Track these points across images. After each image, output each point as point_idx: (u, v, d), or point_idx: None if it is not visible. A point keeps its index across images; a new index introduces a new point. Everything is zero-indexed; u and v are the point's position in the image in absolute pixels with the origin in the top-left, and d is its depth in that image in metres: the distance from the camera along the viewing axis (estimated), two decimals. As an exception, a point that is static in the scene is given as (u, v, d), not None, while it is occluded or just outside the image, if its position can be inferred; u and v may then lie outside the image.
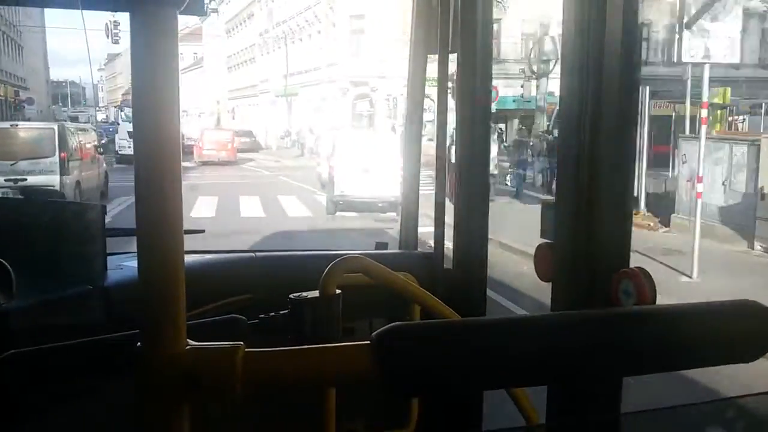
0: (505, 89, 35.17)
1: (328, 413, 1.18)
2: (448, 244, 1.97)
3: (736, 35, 9.24)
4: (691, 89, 14.86)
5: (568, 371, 0.79)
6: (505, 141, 22.72)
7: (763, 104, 23.10)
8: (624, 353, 0.75)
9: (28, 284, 1.48)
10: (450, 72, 1.99)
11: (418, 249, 2.23)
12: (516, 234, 9.38)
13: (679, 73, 16.78)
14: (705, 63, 9.25)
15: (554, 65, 23.37)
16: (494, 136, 18.05)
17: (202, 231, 2.48)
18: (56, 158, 13.64)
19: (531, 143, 20.59)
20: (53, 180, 13.23)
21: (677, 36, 9.76)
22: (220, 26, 66.71)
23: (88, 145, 15.66)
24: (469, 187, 1.84)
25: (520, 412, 1.35)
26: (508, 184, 17.77)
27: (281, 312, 1.32)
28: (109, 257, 1.72)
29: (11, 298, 1.42)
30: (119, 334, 1.14)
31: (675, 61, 13.26)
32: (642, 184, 13.13)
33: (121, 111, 30.25)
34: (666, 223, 12.84)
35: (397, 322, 0.71)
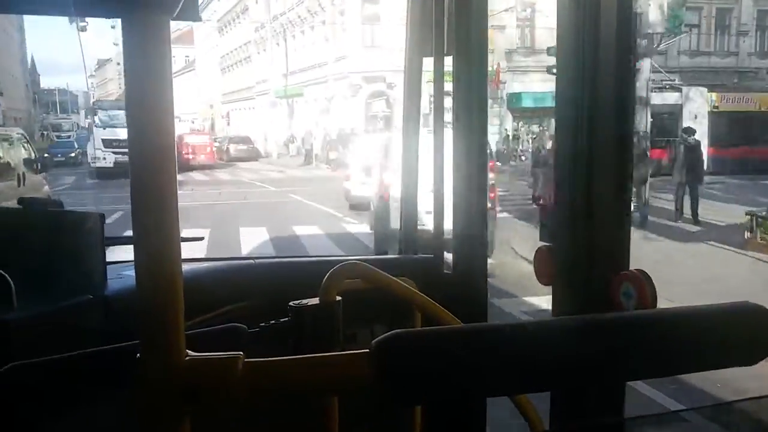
0: (543, 83, 30.51)
1: (330, 422, 1.15)
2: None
3: None
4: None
5: (572, 377, 0.78)
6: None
7: None
8: (627, 358, 0.75)
9: (28, 295, 1.47)
10: None
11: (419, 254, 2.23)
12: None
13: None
14: None
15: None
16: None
17: (201, 239, 2.61)
18: None
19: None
20: None
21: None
22: (211, 24, 62.01)
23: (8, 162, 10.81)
24: (467, 190, 1.83)
25: (523, 418, 1.31)
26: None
27: (282, 320, 1.30)
28: (109, 266, 1.70)
29: (11, 309, 1.42)
30: (118, 345, 1.16)
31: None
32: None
33: (95, 115, 25.38)
34: None
35: (397, 330, 0.70)
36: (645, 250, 8.40)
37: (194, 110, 73.45)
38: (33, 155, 11.94)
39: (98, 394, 1.24)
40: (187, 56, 73.17)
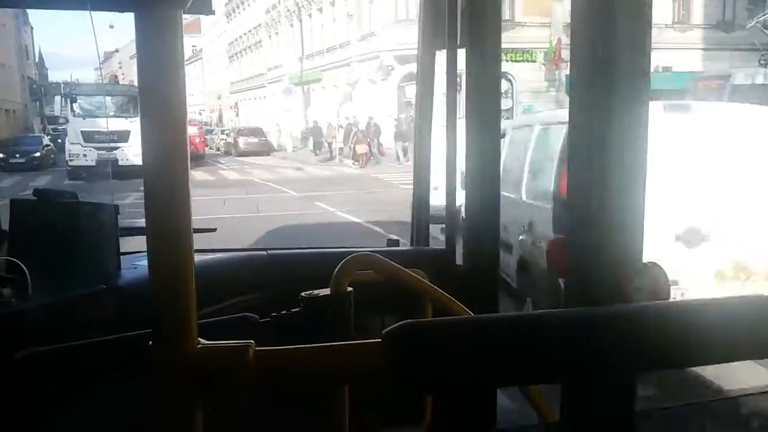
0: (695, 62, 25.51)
1: (341, 410, 1.15)
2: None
3: None
4: None
5: (583, 368, 0.78)
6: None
7: None
8: (639, 349, 0.75)
9: (43, 284, 1.50)
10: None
11: (430, 245, 2.27)
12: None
13: None
14: None
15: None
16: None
17: (214, 230, 2.57)
18: None
19: None
20: None
21: None
22: (219, 10, 57.46)
23: None
24: (480, 183, 1.83)
25: (534, 409, 1.34)
26: None
27: (293, 310, 1.32)
28: (122, 257, 1.73)
29: (27, 297, 1.45)
30: (132, 333, 1.19)
31: None
32: None
33: (73, 102, 20.68)
34: None
35: (409, 320, 0.71)
36: None
37: (201, 101, 69.36)
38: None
39: (112, 380, 1.30)
40: (194, 46, 69.14)
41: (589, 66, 1.30)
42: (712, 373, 3.42)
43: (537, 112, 25.56)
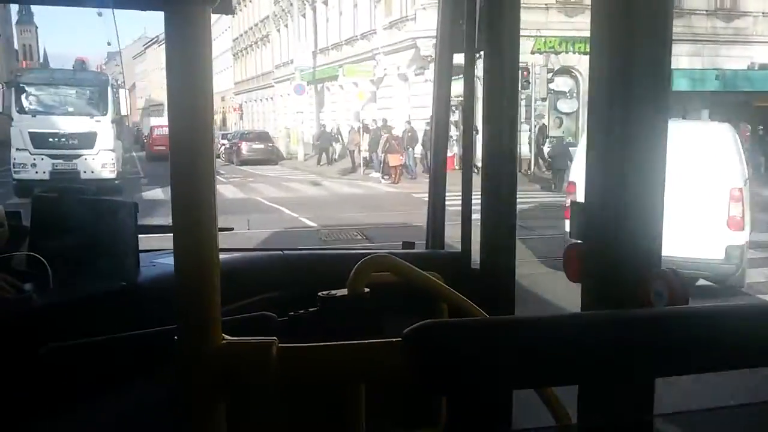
0: (694, 58, 20.88)
1: (357, 410, 1.11)
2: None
3: None
4: None
5: (600, 371, 0.78)
6: None
7: None
8: (657, 354, 0.74)
9: (63, 280, 1.53)
10: None
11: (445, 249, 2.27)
12: None
13: None
14: None
15: None
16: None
17: (231, 229, 2.55)
18: None
19: None
20: None
21: None
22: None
23: None
24: (496, 185, 1.83)
25: (550, 412, 1.31)
26: None
27: (310, 309, 1.33)
28: (141, 255, 1.74)
29: (47, 293, 1.48)
30: (154, 329, 1.21)
31: None
32: None
33: (21, 94, 15.43)
34: None
35: (429, 320, 0.71)
36: None
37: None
38: None
39: (134, 376, 1.28)
40: None
41: (609, 73, 1.30)
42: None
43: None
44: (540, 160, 20.47)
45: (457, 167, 12.58)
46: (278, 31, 40.94)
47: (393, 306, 1.36)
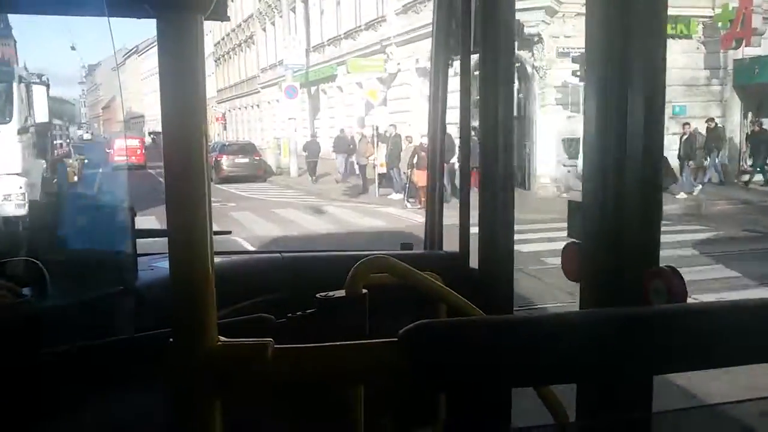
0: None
1: (356, 409, 1.14)
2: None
3: None
4: None
5: (598, 369, 0.79)
6: None
7: None
8: (655, 351, 0.75)
9: (61, 285, 1.52)
10: None
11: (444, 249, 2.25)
12: None
13: None
14: None
15: None
16: None
17: (229, 232, 2.54)
18: None
19: None
20: None
21: None
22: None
23: None
24: (493, 186, 1.84)
25: (548, 410, 1.30)
26: None
27: (308, 311, 1.33)
28: (139, 258, 1.75)
29: (45, 298, 1.46)
30: (153, 332, 1.20)
31: None
32: None
33: None
34: None
35: (424, 320, 0.71)
36: None
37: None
38: None
39: (133, 379, 1.27)
40: None
41: (605, 72, 1.31)
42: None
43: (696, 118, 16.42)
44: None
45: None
46: (264, 30, 36.18)
47: (391, 307, 1.35)
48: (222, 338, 0.71)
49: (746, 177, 16.67)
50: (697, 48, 16.98)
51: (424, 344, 0.70)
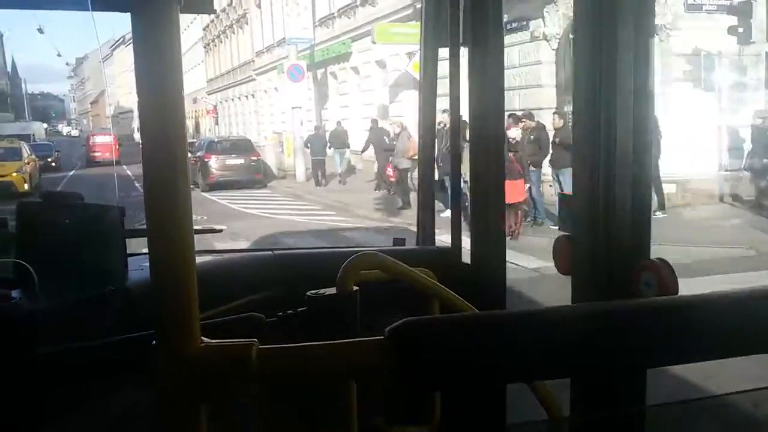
0: None
1: (349, 408, 1.15)
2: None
3: None
4: None
5: (591, 364, 0.78)
6: None
7: None
8: (648, 344, 0.75)
9: (51, 286, 1.51)
10: None
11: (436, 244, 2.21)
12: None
13: None
14: None
15: None
16: None
17: (221, 230, 2.50)
18: None
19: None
20: None
21: None
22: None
23: None
24: (485, 180, 1.82)
25: (542, 405, 1.25)
26: None
27: (299, 309, 1.33)
28: (129, 258, 1.74)
29: (34, 299, 1.46)
30: (138, 333, 1.20)
31: None
32: None
33: None
34: None
35: (412, 317, 0.71)
36: None
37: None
38: None
39: (120, 381, 1.28)
40: None
41: (594, 66, 1.30)
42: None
43: None
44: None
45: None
46: (258, 6, 31.17)
47: (383, 304, 1.34)
48: (205, 339, 0.71)
49: None
50: None
51: (412, 342, 0.69)
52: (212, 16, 40.44)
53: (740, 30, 10.39)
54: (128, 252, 1.73)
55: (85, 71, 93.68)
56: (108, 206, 1.71)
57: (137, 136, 34.25)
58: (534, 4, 12.47)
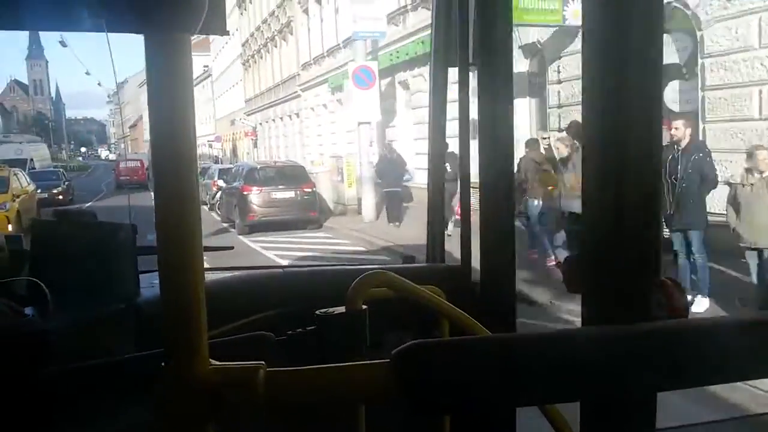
0: None
1: (358, 429, 1.13)
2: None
3: None
4: None
5: (601, 387, 0.78)
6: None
7: None
8: (659, 368, 0.75)
9: (63, 304, 1.51)
10: None
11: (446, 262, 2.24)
12: None
13: None
14: None
15: None
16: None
17: (231, 248, 2.47)
18: None
19: None
20: None
21: None
22: (229, 2, 39.51)
23: None
24: (494, 199, 1.81)
25: (552, 426, 1.29)
26: None
27: (308, 328, 1.34)
28: (141, 276, 1.75)
29: (47, 317, 1.46)
30: (148, 352, 1.20)
31: None
32: None
33: None
34: None
35: (419, 340, 0.71)
36: None
37: (212, 130, 51.18)
38: None
39: (130, 400, 1.26)
40: (206, 66, 51.61)
41: (602, 85, 1.30)
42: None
43: None
44: None
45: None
46: (305, 11, 27.01)
47: (393, 322, 1.29)
48: (213, 361, 0.71)
49: None
50: None
51: (418, 365, 0.69)
52: (252, 29, 36.73)
53: None
54: (140, 270, 1.71)
55: (124, 96, 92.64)
56: (120, 224, 1.69)
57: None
58: None
